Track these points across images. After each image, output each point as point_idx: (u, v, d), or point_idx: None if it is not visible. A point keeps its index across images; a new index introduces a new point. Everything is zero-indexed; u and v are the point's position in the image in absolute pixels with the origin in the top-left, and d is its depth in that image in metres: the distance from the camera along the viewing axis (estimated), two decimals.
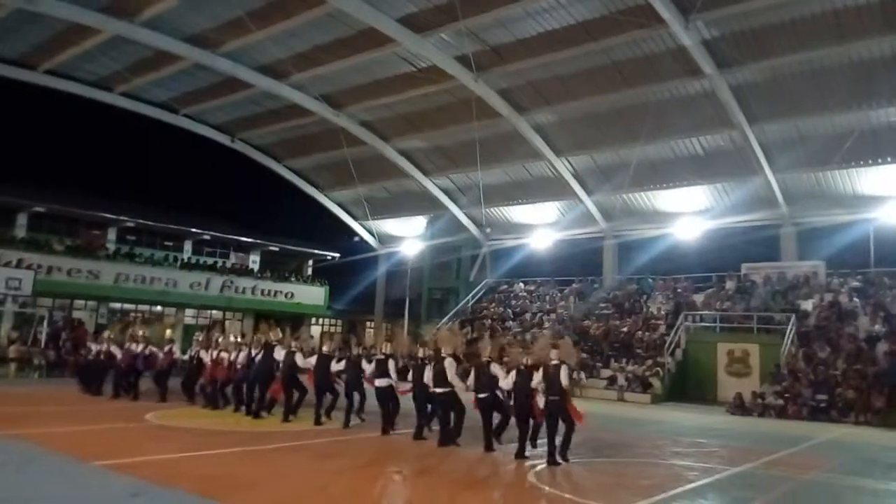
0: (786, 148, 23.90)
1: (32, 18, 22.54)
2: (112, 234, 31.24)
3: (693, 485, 8.77)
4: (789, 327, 21.78)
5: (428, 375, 11.09)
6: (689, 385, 22.91)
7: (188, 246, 33.91)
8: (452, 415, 10.98)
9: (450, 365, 10.74)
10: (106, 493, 6.95)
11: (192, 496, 6.89)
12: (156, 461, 8.73)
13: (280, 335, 14.00)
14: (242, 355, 14.06)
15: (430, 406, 11.63)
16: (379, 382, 11.91)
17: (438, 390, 10.74)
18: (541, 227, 32.08)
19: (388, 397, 11.89)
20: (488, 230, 33.42)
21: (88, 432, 10.96)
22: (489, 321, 30.72)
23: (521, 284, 33.87)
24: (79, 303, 29.61)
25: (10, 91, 28.58)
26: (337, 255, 39.13)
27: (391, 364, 12.11)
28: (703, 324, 24.73)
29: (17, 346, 22.62)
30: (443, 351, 11.03)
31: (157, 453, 9.24)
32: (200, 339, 16.75)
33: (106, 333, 17.85)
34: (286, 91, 27.31)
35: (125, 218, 30.92)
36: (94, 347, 17.19)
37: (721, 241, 27.69)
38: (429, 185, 32.68)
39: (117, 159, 38.91)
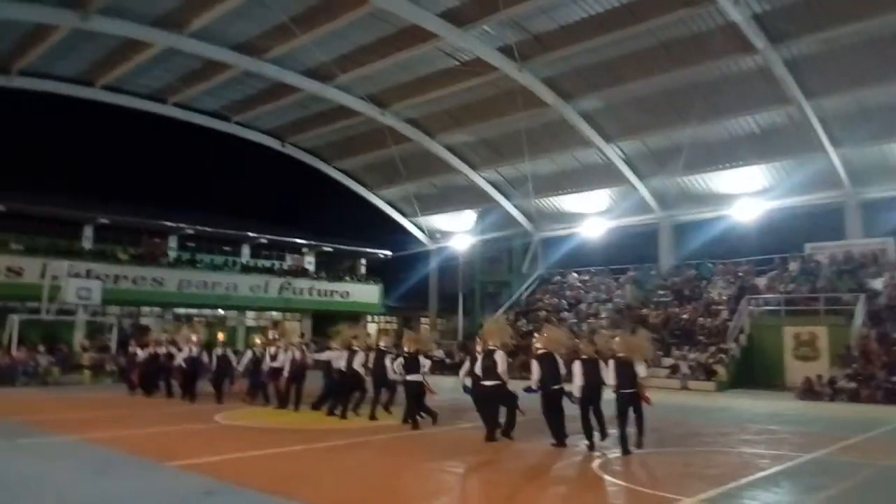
0: (847, 122, 22.98)
1: (88, 37, 23.41)
2: (173, 242, 32.27)
3: (764, 473, 8.52)
4: (858, 307, 20.98)
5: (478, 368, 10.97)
6: (755, 371, 22.31)
7: (246, 250, 34.77)
8: (501, 409, 10.82)
9: (500, 358, 10.60)
10: (180, 492, 7.18)
11: (263, 494, 7.06)
12: (226, 461, 8.97)
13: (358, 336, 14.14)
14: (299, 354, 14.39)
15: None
16: (410, 378, 12.10)
17: (487, 383, 10.61)
18: (592, 216, 31.66)
19: (416, 392, 12.10)
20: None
21: (161, 434, 11.33)
22: (544, 313, 30.50)
23: (575, 274, 33.51)
24: (145, 309, 30.70)
25: (71, 108, 29.78)
26: (389, 252, 39.48)
27: (422, 360, 12.35)
28: (767, 307, 24.02)
29: (90, 353, 23.56)
30: (491, 343, 10.91)
31: (227, 453, 9.49)
32: (259, 340, 17.12)
33: (163, 336, 18.32)
34: (332, 93, 27.65)
35: (185, 225, 31.88)
36: (140, 353, 17.70)
37: (782, 222, 26.81)
38: (477, 178, 32.63)
39: (174, 169, 40.05)
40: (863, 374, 18.41)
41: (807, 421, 14.27)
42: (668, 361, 23.06)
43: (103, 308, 26.77)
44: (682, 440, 11.37)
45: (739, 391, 20.67)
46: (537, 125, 27.46)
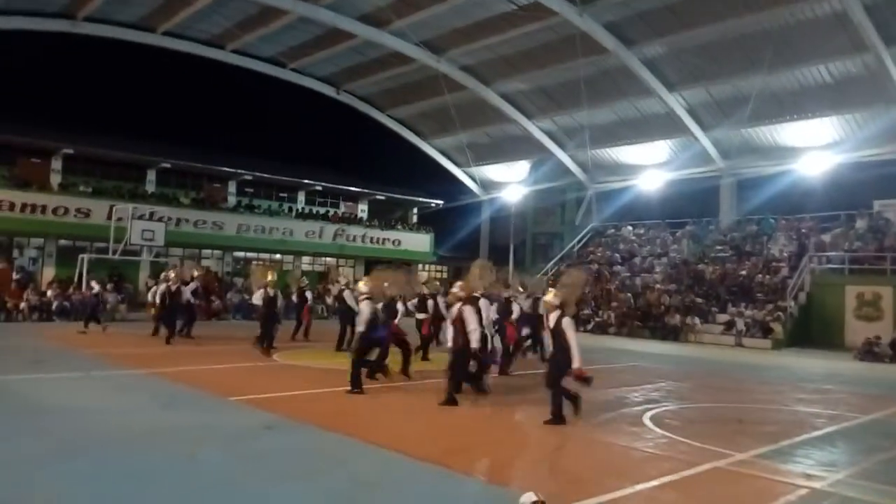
0: None
1: None
2: (232, 187, 33.02)
3: (820, 432, 8.40)
4: None
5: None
6: (814, 330, 21.82)
7: (302, 196, 35.39)
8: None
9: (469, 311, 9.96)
10: (242, 426, 7.52)
11: (319, 429, 7.34)
12: (284, 397, 9.35)
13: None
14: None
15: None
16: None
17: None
18: (650, 168, 30.89)
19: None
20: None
21: (221, 371, 11.81)
22: (596, 266, 30.27)
23: (630, 227, 33.00)
24: (206, 252, 31.70)
25: (134, 54, 30.36)
26: (441, 202, 39.54)
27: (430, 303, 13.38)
28: (829, 265, 23.29)
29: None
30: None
31: (284, 390, 9.88)
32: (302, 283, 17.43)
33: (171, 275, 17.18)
34: (387, 39, 27.37)
35: (243, 171, 32.50)
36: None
37: (851, 177, 25.66)
38: (532, 128, 32.10)
39: (233, 115, 40.64)
40: None
41: (866, 382, 13.92)
42: (723, 318, 22.71)
43: (166, 249, 27.76)
44: (736, 396, 11.27)
45: (796, 350, 20.27)
46: (596, 72, 26.68)
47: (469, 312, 9.13)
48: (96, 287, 18.89)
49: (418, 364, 12.55)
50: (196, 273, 17.29)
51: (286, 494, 5.29)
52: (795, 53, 22.67)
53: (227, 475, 5.75)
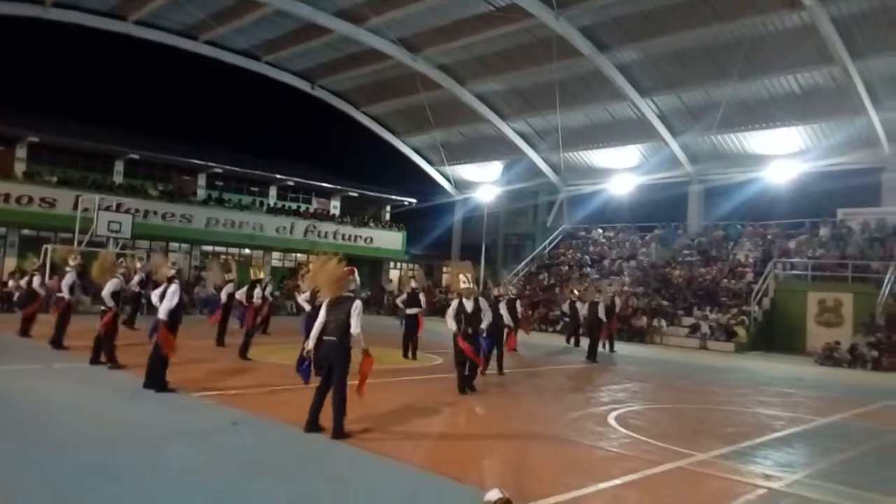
0: (892, 85, 22.19)
1: None
2: (202, 180, 32.55)
3: (779, 434, 8.59)
4: (888, 276, 20.66)
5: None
6: (777, 334, 22.27)
7: (273, 191, 35.04)
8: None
9: (485, 305, 10.38)
10: (208, 421, 7.46)
11: (286, 425, 7.30)
12: (251, 393, 9.27)
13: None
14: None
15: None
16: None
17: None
18: (621, 172, 31.26)
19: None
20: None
21: (188, 365, 11.61)
22: (566, 267, 30.52)
23: (600, 230, 33.35)
24: (173, 245, 31.19)
25: (104, 42, 29.81)
26: (414, 200, 39.51)
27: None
28: (793, 272, 23.79)
29: None
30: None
31: (251, 386, 9.80)
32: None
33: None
34: (364, 35, 27.27)
35: (214, 164, 32.06)
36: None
37: (816, 186, 26.30)
38: (505, 129, 32.26)
39: (205, 108, 40.17)
40: (886, 343, 18.28)
41: (825, 386, 14.27)
42: (688, 321, 23.08)
43: (133, 242, 27.27)
44: (700, 398, 11.48)
45: (759, 354, 20.68)
46: (571, 76, 26.93)
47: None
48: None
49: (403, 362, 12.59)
50: (139, 265, 16.86)
51: (254, 491, 5.25)
52: (765, 63, 23.14)
53: (193, 471, 5.69)
